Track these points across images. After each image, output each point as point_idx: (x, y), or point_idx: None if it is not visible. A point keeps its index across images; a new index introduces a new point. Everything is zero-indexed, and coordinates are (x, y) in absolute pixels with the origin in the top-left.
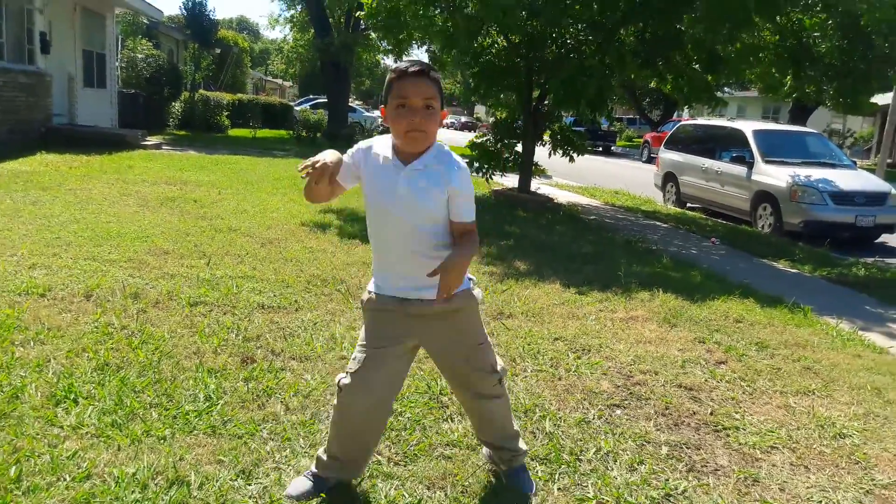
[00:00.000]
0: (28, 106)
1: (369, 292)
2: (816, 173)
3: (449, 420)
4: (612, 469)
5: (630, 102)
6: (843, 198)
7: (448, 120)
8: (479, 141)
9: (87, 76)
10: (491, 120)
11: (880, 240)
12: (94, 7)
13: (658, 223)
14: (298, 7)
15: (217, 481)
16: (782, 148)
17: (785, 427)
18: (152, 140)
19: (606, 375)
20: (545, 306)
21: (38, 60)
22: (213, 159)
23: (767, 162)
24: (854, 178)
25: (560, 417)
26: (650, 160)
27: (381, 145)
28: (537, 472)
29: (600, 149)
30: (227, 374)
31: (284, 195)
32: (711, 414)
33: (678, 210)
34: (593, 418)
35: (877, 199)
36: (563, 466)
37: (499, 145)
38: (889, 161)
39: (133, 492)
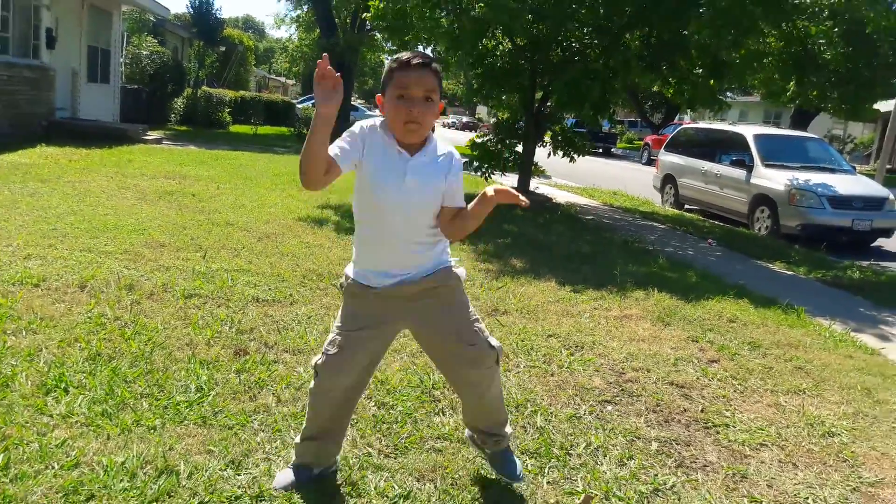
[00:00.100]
0: (31, 100)
1: (347, 277)
2: (815, 178)
3: (440, 414)
4: (602, 464)
5: (632, 105)
6: (841, 202)
7: (450, 120)
8: (479, 141)
9: (91, 71)
10: (492, 120)
11: (876, 244)
12: (102, 4)
13: (656, 224)
14: (305, 7)
15: (206, 471)
16: (782, 152)
17: (774, 425)
18: (153, 135)
19: (599, 372)
20: (540, 304)
21: (42, 55)
22: (214, 155)
23: (767, 166)
24: (853, 183)
25: (551, 412)
26: (650, 162)
27: (381, 132)
28: (527, 465)
29: (600, 150)
30: (220, 366)
31: (283, 191)
32: (702, 411)
33: (676, 211)
34: (584, 414)
35: (874, 203)
36: (553, 460)
37: (499, 145)
38: (888, 167)
39: (122, 480)
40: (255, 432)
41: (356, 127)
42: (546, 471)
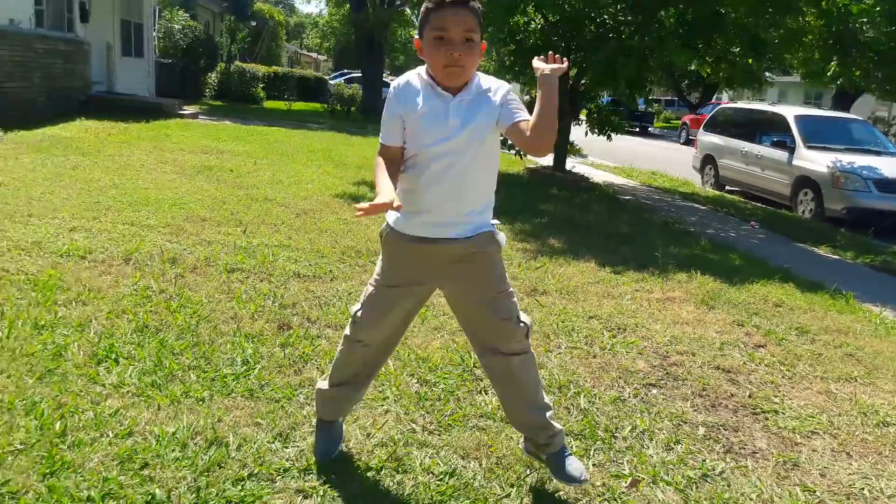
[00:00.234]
0: (66, 73)
1: (388, 225)
2: (860, 160)
3: (483, 392)
4: (648, 447)
5: (668, 84)
6: (888, 185)
7: None
8: None
9: (125, 46)
10: (526, 98)
11: None
12: None
13: (696, 205)
14: None
15: (255, 443)
16: (825, 134)
17: (826, 413)
18: (189, 109)
19: (642, 355)
20: (580, 284)
21: (76, 29)
22: (249, 130)
23: (809, 147)
24: None
25: (595, 395)
26: (688, 142)
27: (419, 78)
28: (572, 446)
29: (637, 129)
30: (264, 340)
31: (319, 167)
32: (750, 397)
33: (717, 193)
34: (629, 397)
35: None
36: (598, 443)
37: None
38: None
39: (174, 450)
40: (301, 406)
41: (390, 91)
42: (591, 453)
